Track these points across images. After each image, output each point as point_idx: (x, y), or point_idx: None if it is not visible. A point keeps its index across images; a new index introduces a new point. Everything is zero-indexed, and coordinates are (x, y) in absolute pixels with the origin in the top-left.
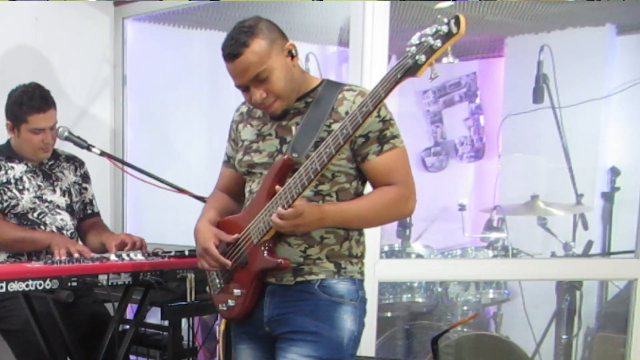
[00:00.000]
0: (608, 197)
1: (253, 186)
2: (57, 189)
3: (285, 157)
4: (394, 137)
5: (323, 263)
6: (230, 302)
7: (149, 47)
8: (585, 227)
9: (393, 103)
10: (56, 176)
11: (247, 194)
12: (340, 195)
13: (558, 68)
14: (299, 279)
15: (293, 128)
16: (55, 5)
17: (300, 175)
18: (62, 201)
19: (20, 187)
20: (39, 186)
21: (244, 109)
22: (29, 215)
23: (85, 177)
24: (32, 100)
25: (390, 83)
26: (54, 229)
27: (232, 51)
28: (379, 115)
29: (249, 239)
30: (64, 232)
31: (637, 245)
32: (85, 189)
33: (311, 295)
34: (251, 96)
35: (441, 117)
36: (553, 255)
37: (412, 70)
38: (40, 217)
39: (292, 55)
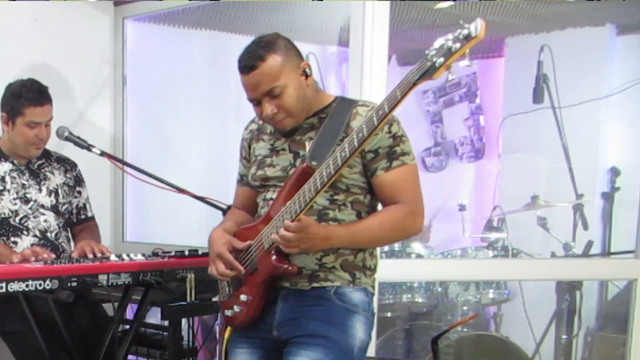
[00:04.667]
0: (608, 197)
1: (268, 194)
2: (44, 188)
3: (305, 164)
4: (404, 154)
5: (338, 272)
6: (236, 309)
7: (149, 47)
8: (585, 227)
9: None
10: (44, 175)
11: (261, 202)
12: (355, 206)
13: (558, 68)
14: (315, 284)
15: (307, 143)
16: (55, 5)
17: (314, 179)
18: (47, 201)
19: (0, 188)
20: (23, 185)
21: (254, 126)
22: (11, 221)
23: (79, 180)
24: (30, 93)
25: (407, 85)
26: (37, 232)
27: (247, 64)
28: (389, 131)
29: (260, 245)
30: (48, 233)
31: (637, 245)
32: (80, 192)
33: (326, 301)
34: (262, 110)
35: (441, 117)
36: (553, 255)
37: (429, 72)
38: (23, 221)
39: (306, 74)
